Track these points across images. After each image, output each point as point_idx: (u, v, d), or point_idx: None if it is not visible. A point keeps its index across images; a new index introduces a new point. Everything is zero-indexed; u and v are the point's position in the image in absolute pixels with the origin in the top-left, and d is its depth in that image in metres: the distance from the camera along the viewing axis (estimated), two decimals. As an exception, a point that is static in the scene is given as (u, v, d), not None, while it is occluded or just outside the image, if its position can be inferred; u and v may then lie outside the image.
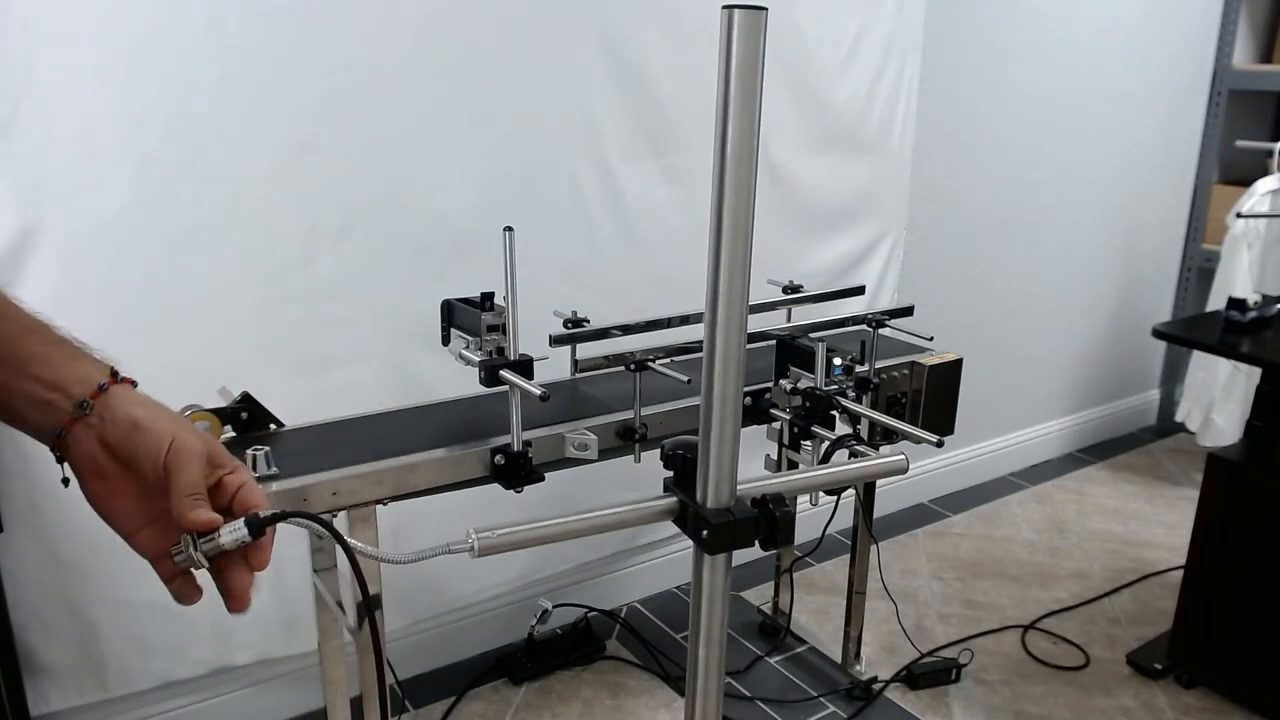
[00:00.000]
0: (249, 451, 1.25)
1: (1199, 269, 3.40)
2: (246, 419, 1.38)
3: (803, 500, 1.75)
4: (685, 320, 1.71)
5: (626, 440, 1.53)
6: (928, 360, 1.84)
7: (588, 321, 1.61)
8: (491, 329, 1.38)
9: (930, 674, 2.07)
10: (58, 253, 1.48)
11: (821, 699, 2.03)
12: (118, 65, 1.47)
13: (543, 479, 1.43)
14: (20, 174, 1.43)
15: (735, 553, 0.82)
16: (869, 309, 2.00)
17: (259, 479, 1.24)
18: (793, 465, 1.77)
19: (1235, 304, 2.06)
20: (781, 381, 1.63)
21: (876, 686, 2.05)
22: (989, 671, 2.13)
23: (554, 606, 2.10)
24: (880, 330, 1.76)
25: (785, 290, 1.94)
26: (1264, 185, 2.82)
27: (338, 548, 0.73)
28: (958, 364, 1.86)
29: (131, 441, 0.68)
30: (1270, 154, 2.83)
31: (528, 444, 1.40)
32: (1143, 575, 2.54)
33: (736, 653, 2.18)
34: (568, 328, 1.60)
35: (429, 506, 1.41)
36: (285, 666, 1.90)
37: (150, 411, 0.70)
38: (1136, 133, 3.09)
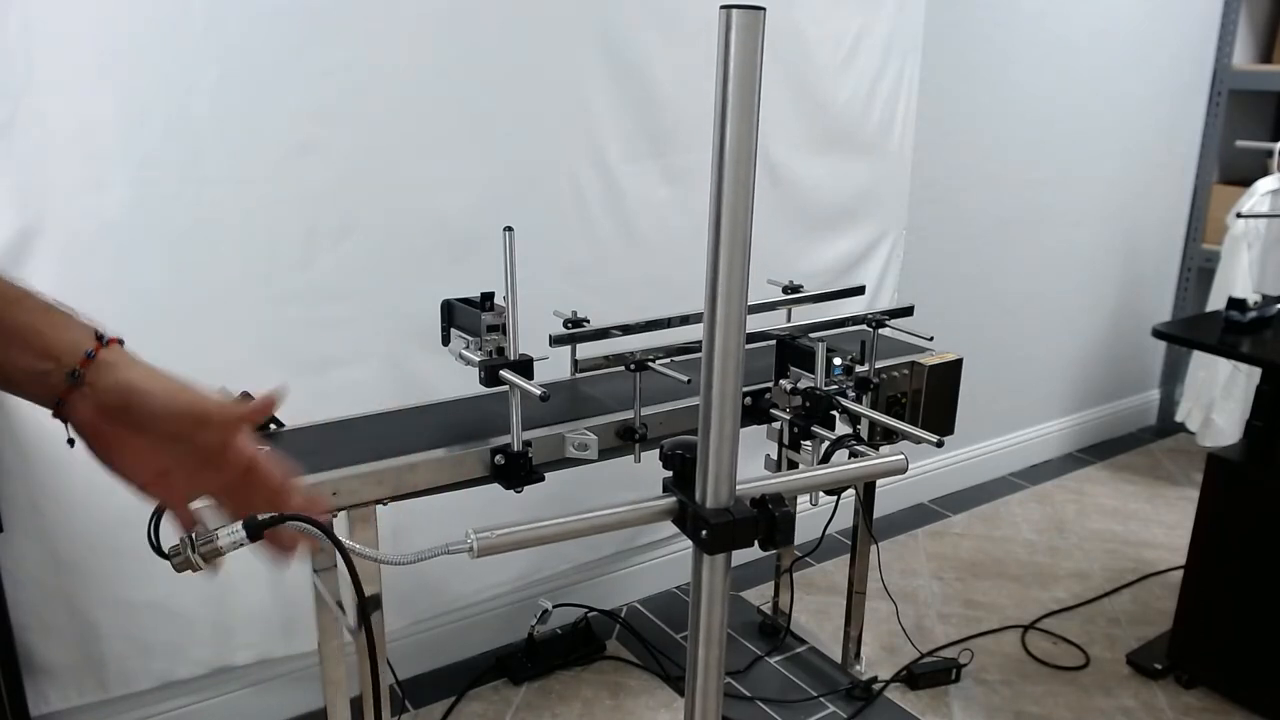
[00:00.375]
0: (249, 451, 1.25)
1: (1199, 269, 3.40)
2: (246, 419, 1.37)
3: (803, 500, 1.75)
4: (685, 320, 1.71)
5: (626, 440, 1.53)
6: (928, 360, 1.84)
7: (588, 321, 1.61)
8: (491, 329, 1.38)
9: (930, 674, 2.07)
10: (58, 253, 1.48)
11: (821, 699, 2.03)
12: (118, 65, 1.47)
13: (543, 479, 1.43)
14: (20, 174, 1.43)
15: (735, 553, 0.82)
16: (869, 309, 2.00)
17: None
18: (793, 465, 1.77)
19: (1235, 304, 2.06)
20: (781, 381, 1.63)
21: (876, 686, 2.05)
22: (989, 671, 2.13)
23: (554, 606, 2.10)
24: (880, 330, 1.76)
25: (785, 290, 1.94)
26: (1264, 185, 2.82)
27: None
28: (958, 364, 1.86)
29: (131, 406, 0.70)
30: (1270, 154, 2.83)
31: (528, 444, 1.40)
32: (1143, 575, 2.54)
33: (736, 653, 2.18)
34: (568, 328, 1.60)
35: (429, 506, 1.41)
36: (285, 666, 1.90)
37: (141, 374, 0.71)
38: (1136, 133, 3.09)
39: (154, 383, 0.71)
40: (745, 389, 1.61)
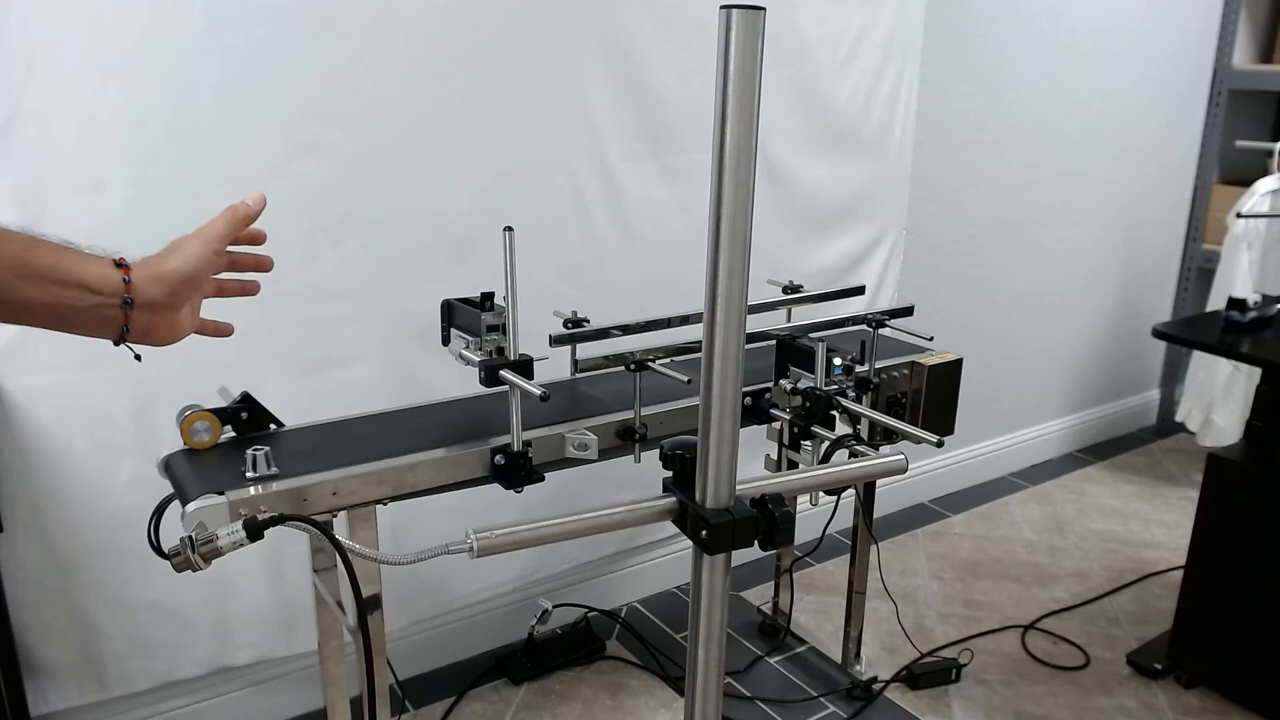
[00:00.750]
0: (249, 452, 1.25)
1: (1199, 269, 3.40)
2: (246, 419, 1.38)
3: (803, 500, 1.75)
4: (685, 320, 1.71)
5: (626, 440, 1.53)
6: (928, 360, 1.84)
7: (588, 321, 1.61)
8: (491, 329, 1.38)
9: (930, 674, 2.07)
10: (58, 253, 1.48)
11: (821, 699, 2.03)
12: (118, 65, 1.47)
13: (543, 479, 1.43)
14: (20, 174, 1.43)
15: (735, 553, 0.82)
16: (869, 309, 2.00)
17: (259, 479, 1.24)
18: (793, 465, 1.77)
19: (1235, 304, 2.06)
20: (781, 381, 1.63)
21: (876, 686, 2.05)
22: (989, 671, 2.13)
23: (554, 606, 2.10)
24: (880, 330, 1.76)
25: (785, 290, 1.94)
26: (1264, 185, 2.82)
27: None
28: (958, 364, 1.86)
29: (178, 292, 0.83)
30: (1270, 154, 2.83)
31: (528, 444, 1.40)
32: (1143, 575, 2.54)
33: (736, 653, 2.18)
34: (568, 328, 1.60)
35: (429, 506, 1.41)
36: (285, 666, 1.90)
37: (165, 267, 0.83)
38: (1136, 133, 3.09)
39: (178, 262, 0.84)
40: (745, 389, 1.61)
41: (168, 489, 1.28)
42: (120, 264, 0.78)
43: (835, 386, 1.59)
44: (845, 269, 2.44)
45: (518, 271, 1.33)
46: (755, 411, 1.66)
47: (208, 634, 1.76)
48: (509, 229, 1.32)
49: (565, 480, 1.48)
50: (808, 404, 1.56)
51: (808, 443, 1.58)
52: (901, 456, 0.96)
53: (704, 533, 0.79)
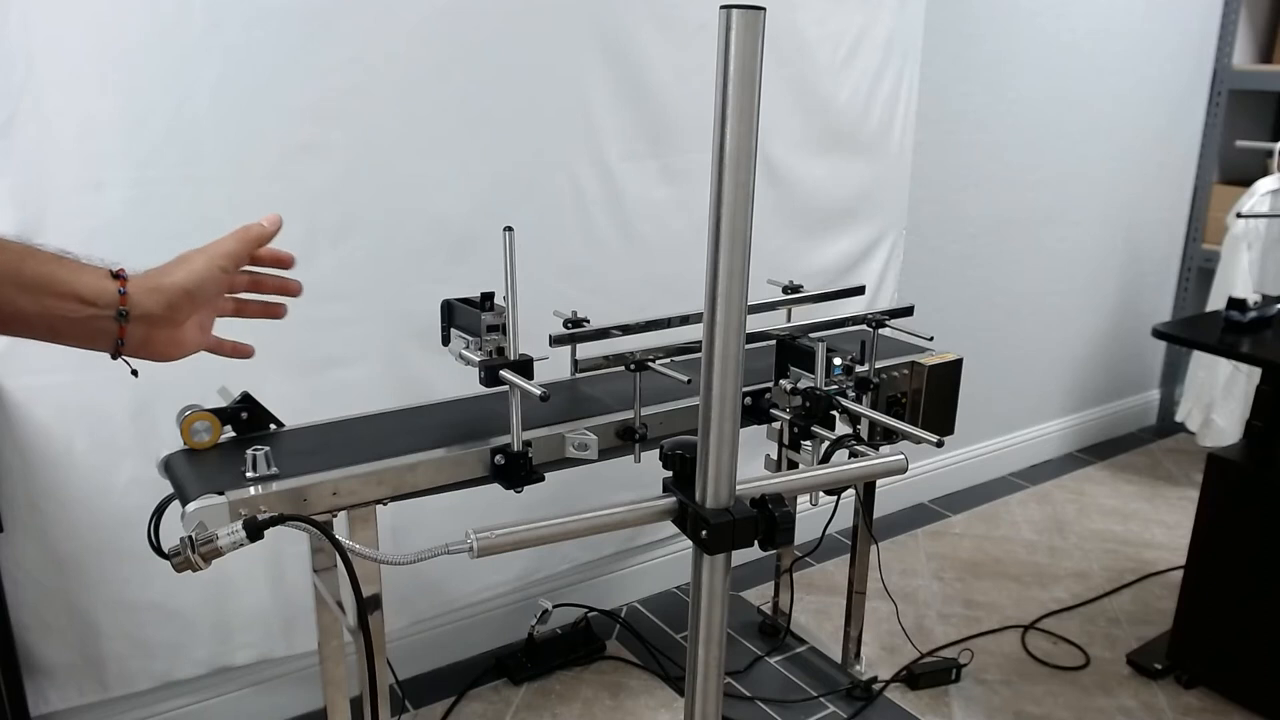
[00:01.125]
0: (249, 452, 1.25)
1: (1199, 269, 3.40)
2: (246, 419, 1.38)
3: (803, 500, 1.75)
4: (685, 320, 1.71)
5: (626, 440, 1.53)
6: (927, 360, 1.84)
7: (588, 321, 1.61)
8: (491, 329, 1.38)
9: (930, 674, 2.07)
10: (58, 253, 1.48)
11: (821, 699, 2.03)
12: (118, 65, 1.47)
13: (543, 479, 1.43)
14: (20, 174, 1.43)
15: (735, 553, 0.82)
16: (869, 309, 2.00)
17: (259, 479, 1.24)
18: (793, 465, 1.77)
19: (1235, 304, 2.06)
20: (781, 381, 1.63)
21: (876, 686, 2.05)
22: (989, 671, 2.13)
23: (554, 606, 2.10)
24: (880, 330, 1.76)
25: (785, 290, 1.94)
26: (1264, 185, 2.82)
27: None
28: (958, 364, 1.86)
29: (177, 307, 0.81)
30: (1270, 154, 2.83)
31: (528, 444, 1.40)
32: (1143, 575, 2.54)
33: (736, 653, 2.18)
34: (568, 328, 1.60)
35: (429, 506, 1.41)
36: (285, 666, 1.90)
37: (165, 282, 0.81)
38: (1136, 133, 3.09)
39: (179, 276, 0.82)
40: (745, 389, 1.61)
41: (168, 489, 1.28)
42: (117, 275, 0.77)
43: (835, 386, 1.59)
44: (845, 269, 2.44)
45: (518, 271, 1.33)
46: (755, 411, 1.66)
47: (208, 634, 1.76)
48: (509, 229, 1.32)
49: (565, 480, 1.48)
50: (808, 404, 1.56)
51: (808, 443, 1.58)
52: (901, 456, 0.96)
53: (704, 533, 0.79)
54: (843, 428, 1.60)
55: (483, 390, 1.40)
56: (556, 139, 1.92)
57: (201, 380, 1.39)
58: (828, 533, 2.12)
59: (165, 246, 1.56)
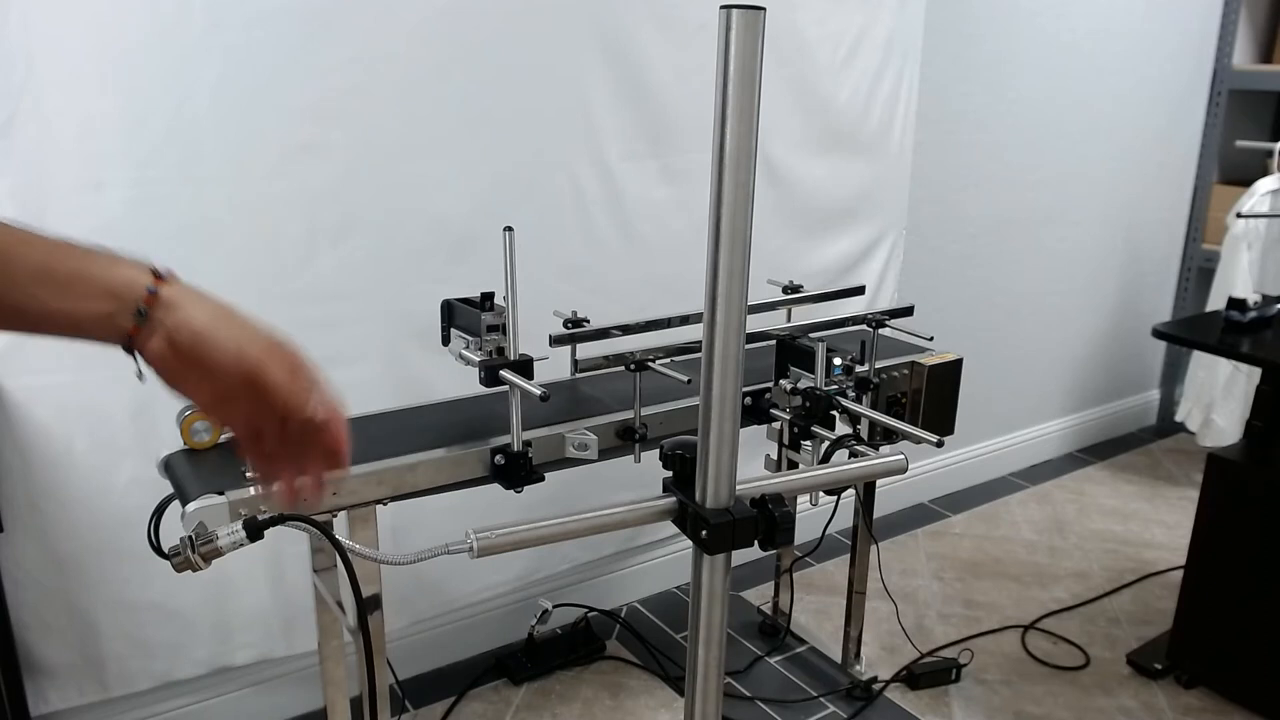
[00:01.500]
0: (249, 451, 1.25)
1: (1199, 269, 3.40)
2: (246, 419, 1.37)
3: (803, 500, 1.75)
4: (685, 320, 1.71)
5: (626, 440, 1.53)
6: (927, 360, 1.84)
7: (588, 321, 1.61)
8: (491, 329, 1.38)
9: (930, 674, 2.07)
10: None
11: (821, 699, 2.03)
12: (118, 65, 1.47)
13: (543, 479, 1.43)
14: (20, 174, 1.43)
15: (735, 553, 0.82)
16: (869, 309, 2.00)
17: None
18: (793, 465, 1.77)
19: (1235, 304, 2.06)
20: (781, 381, 1.63)
21: (876, 686, 2.05)
22: (989, 671, 2.13)
23: (554, 606, 2.10)
24: (880, 330, 1.76)
25: (785, 290, 1.94)
26: (1264, 185, 2.82)
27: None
28: (958, 364, 1.86)
29: (200, 352, 0.72)
30: (1270, 154, 2.83)
31: (528, 444, 1.40)
32: (1143, 575, 2.54)
33: (736, 653, 2.18)
34: (568, 328, 1.60)
35: (429, 506, 1.41)
36: (285, 666, 1.90)
37: (207, 317, 0.73)
38: (1136, 133, 3.09)
39: (222, 330, 0.73)
40: (745, 389, 1.61)
41: (168, 489, 1.28)
42: (155, 272, 0.70)
43: (835, 386, 1.59)
44: (845, 269, 2.44)
45: (518, 271, 1.34)
46: (755, 411, 1.66)
47: (208, 634, 1.76)
48: (509, 229, 1.32)
49: (565, 480, 1.48)
50: (808, 404, 1.56)
51: (808, 443, 1.58)
52: (901, 456, 0.96)
53: (704, 533, 0.79)
54: (843, 428, 1.60)
55: (483, 390, 1.40)
56: (556, 139, 1.92)
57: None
58: (828, 533, 2.12)
59: (165, 246, 1.57)
